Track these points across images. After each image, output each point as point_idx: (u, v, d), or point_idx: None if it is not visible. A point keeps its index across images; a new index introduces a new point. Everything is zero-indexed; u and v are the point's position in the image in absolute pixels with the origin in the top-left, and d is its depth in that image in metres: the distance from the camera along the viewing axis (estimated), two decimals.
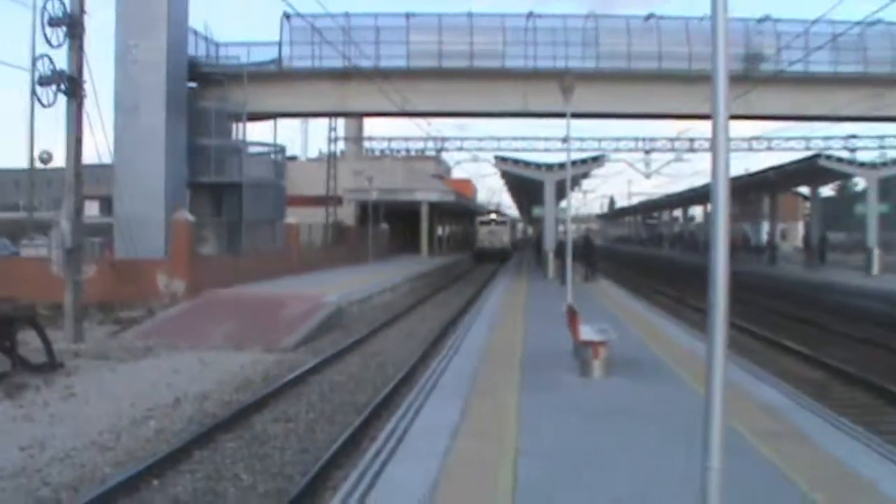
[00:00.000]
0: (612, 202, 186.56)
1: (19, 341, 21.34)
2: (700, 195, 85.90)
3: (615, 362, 15.67)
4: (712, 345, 5.77)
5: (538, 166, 49.49)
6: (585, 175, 57.39)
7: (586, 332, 15.38)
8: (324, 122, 65.88)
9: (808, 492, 8.74)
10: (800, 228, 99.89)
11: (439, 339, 27.36)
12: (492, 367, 16.80)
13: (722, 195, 5.82)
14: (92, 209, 70.00)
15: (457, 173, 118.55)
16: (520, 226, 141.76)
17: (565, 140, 29.94)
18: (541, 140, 70.71)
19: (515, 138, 69.34)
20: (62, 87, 25.49)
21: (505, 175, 61.12)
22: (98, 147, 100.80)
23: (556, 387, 14.58)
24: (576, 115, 44.26)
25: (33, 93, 25.36)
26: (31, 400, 17.82)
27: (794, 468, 9.51)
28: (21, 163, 50.90)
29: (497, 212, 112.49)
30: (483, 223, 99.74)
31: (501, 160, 52.02)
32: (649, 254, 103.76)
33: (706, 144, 66.96)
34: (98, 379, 20.28)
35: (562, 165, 42.59)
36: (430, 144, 74.62)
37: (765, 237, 76.84)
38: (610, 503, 8.47)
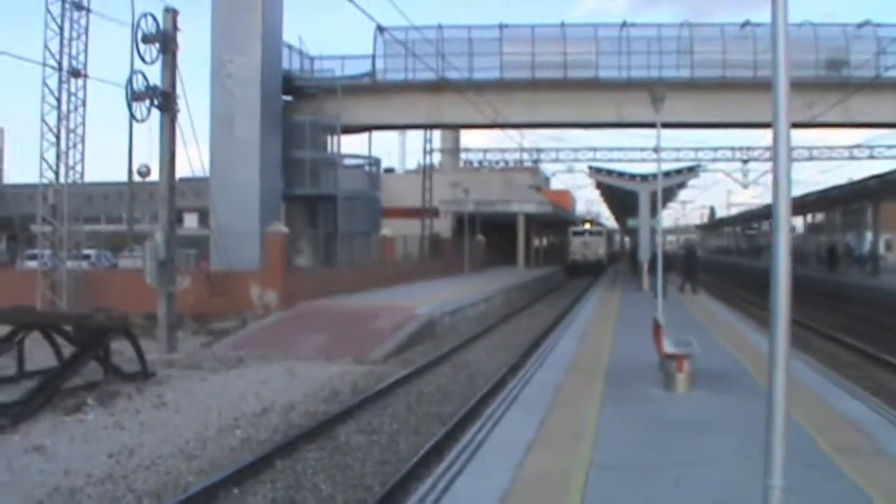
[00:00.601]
0: (712, 212, 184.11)
1: (114, 351, 21.77)
2: (797, 205, 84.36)
3: (701, 376, 15.38)
4: (774, 359, 5.63)
5: (632, 177, 48.94)
6: (682, 185, 56.70)
7: (670, 346, 15.11)
8: (421, 134, 66.19)
9: None
10: None
11: (531, 350, 27.16)
12: (576, 380, 16.64)
13: (783, 204, 5.63)
14: (191, 221, 71.40)
15: (555, 184, 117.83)
16: (617, 237, 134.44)
17: (657, 150, 29.51)
18: (636, 150, 70.45)
19: (611, 149, 68.98)
20: (156, 102, 26.00)
21: (600, 186, 60.65)
22: (199, 160, 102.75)
23: (637, 400, 14.38)
24: (669, 126, 44.01)
25: (128, 108, 25.83)
26: (123, 408, 18.13)
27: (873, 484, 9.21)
28: (123, 176, 51.84)
29: (593, 222, 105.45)
30: (576, 234, 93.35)
31: (596, 171, 51.58)
32: (748, 265, 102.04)
33: (804, 153, 65.90)
34: (188, 388, 20.54)
35: (657, 176, 42.13)
36: (526, 156, 74.48)
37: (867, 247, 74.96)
38: None
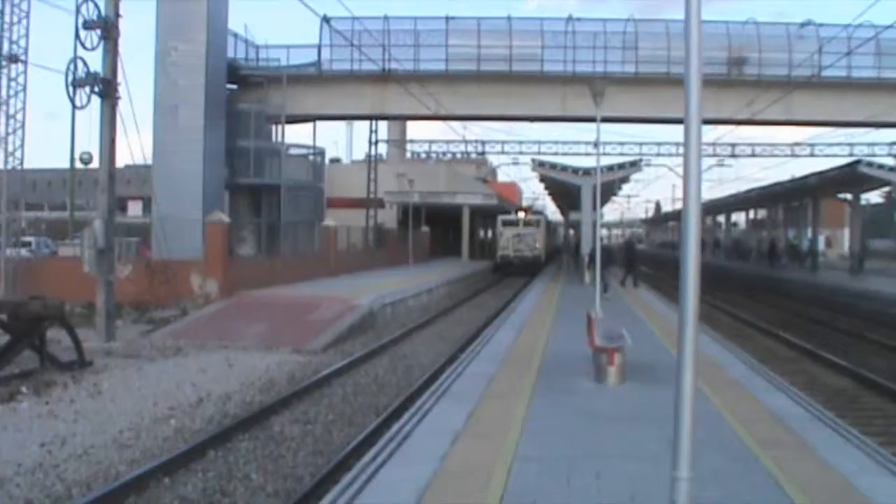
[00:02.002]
0: (657, 207, 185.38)
1: (51, 339, 21.71)
2: (741, 201, 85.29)
3: (633, 368, 15.63)
4: (682, 352, 5.76)
5: (575, 170, 49.42)
6: (625, 180, 57.18)
7: (601, 338, 15.33)
8: (368, 124, 66.15)
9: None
10: (846, 235, 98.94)
11: (469, 342, 27.33)
12: (509, 372, 16.81)
13: (693, 198, 5.78)
14: (136, 209, 70.86)
15: (501, 177, 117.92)
16: (560, 230, 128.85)
17: (596, 144, 29.76)
18: (582, 144, 70.55)
19: (556, 142, 69.69)
20: (96, 88, 25.86)
21: (544, 179, 61.03)
22: (140, 148, 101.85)
23: (568, 392, 14.57)
24: (613, 120, 44.39)
25: (68, 94, 25.67)
26: (58, 397, 18.07)
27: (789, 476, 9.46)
28: (67, 163, 51.43)
29: (528, 209, 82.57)
30: (507, 224, 72.17)
31: (539, 164, 51.97)
32: None
33: (748, 150, 66.73)
34: (125, 377, 20.49)
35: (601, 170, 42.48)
36: (471, 148, 74.71)
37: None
38: None
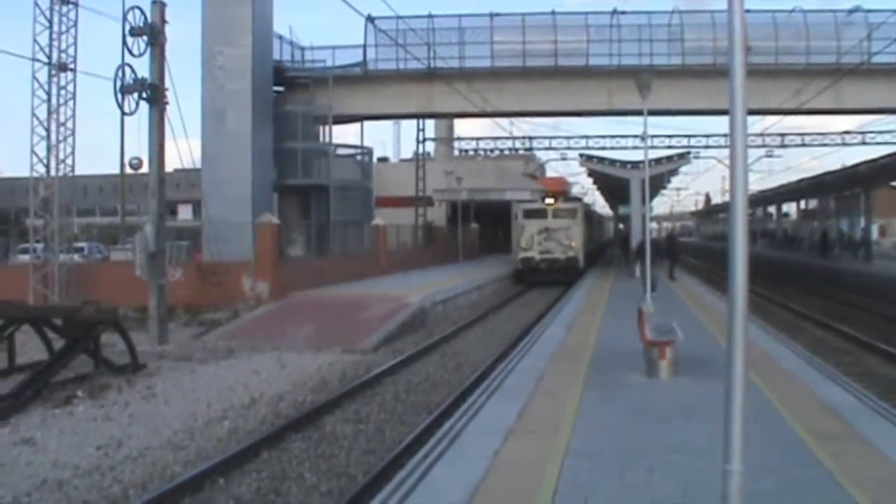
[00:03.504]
0: (707, 199, 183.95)
1: (105, 343, 21.96)
2: (791, 191, 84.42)
3: (684, 362, 15.52)
4: (733, 342, 5.70)
5: (623, 164, 49.24)
6: (674, 172, 56.87)
7: (653, 332, 15.24)
8: (415, 123, 66.23)
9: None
10: None
11: (520, 338, 27.25)
12: (560, 367, 16.79)
13: (741, 190, 5.71)
14: (185, 213, 71.29)
15: (550, 173, 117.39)
16: (609, 224, 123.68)
17: (643, 137, 29.58)
18: (629, 138, 69.91)
19: (603, 136, 68.76)
20: (144, 94, 26.12)
21: (593, 174, 60.82)
22: (189, 152, 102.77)
23: (619, 387, 14.52)
24: (659, 113, 44.08)
25: (117, 101, 25.95)
26: (113, 400, 18.31)
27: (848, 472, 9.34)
28: (117, 169, 52.12)
29: (561, 194, 68.32)
30: (531, 214, 54.75)
31: (587, 159, 51.89)
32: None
33: (797, 140, 65.99)
34: (178, 380, 20.71)
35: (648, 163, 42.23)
36: (518, 144, 74.45)
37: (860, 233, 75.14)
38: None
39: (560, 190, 66.18)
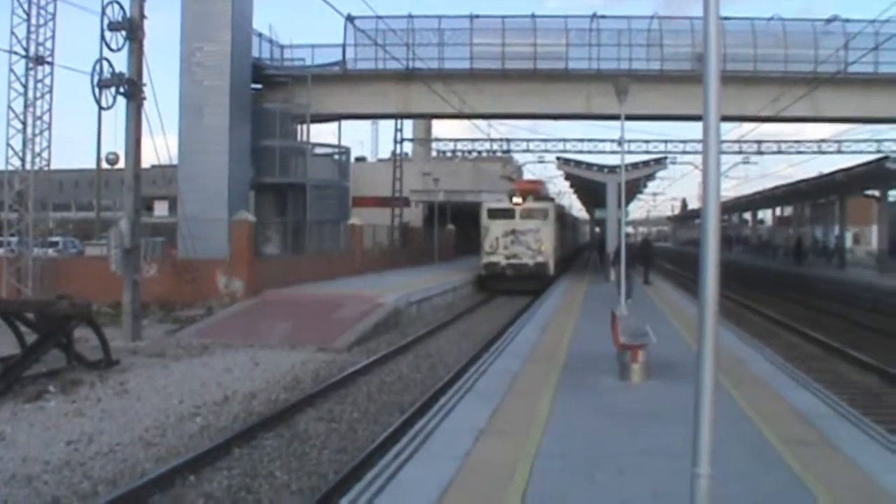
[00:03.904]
0: (684, 204, 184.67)
1: (78, 339, 21.87)
2: (767, 198, 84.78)
3: (657, 366, 15.61)
4: (702, 347, 5.77)
5: (600, 168, 49.39)
6: (650, 177, 57.05)
7: (626, 336, 15.32)
8: (393, 123, 66.22)
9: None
10: (874, 232, 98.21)
11: (494, 340, 27.30)
12: (533, 369, 16.84)
13: (713, 195, 5.78)
14: (162, 209, 71.13)
15: (527, 175, 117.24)
16: (585, 227, 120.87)
17: (620, 142, 29.68)
18: (607, 142, 70.00)
19: (581, 140, 68.88)
20: (122, 89, 26.04)
21: (570, 177, 60.89)
22: (166, 148, 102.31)
23: (592, 390, 14.59)
24: (637, 118, 44.28)
25: (94, 95, 25.86)
26: (85, 395, 18.22)
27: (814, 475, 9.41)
28: (94, 164, 52.02)
29: (530, 193, 52.80)
30: (496, 214, 49.54)
31: (564, 162, 51.91)
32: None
33: (774, 147, 66.27)
34: (151, 376, 20.63)
35: (626, 168, 42.38)
36: (496, 146, 74.43)
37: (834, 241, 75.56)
38: None
39: (531, 189, 53.03)
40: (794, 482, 9.22)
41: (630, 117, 29.77)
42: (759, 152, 68.06)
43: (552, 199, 57.15)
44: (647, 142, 66.98)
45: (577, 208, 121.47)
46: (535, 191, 53.72)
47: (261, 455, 14.09)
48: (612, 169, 48.32)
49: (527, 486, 8.99)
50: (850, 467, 9.80)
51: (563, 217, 63.73)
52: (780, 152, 68.28)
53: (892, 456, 10.46)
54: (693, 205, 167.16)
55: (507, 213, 48.86)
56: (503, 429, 11.69)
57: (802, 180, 68.84)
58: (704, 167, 5.87)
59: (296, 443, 14.94)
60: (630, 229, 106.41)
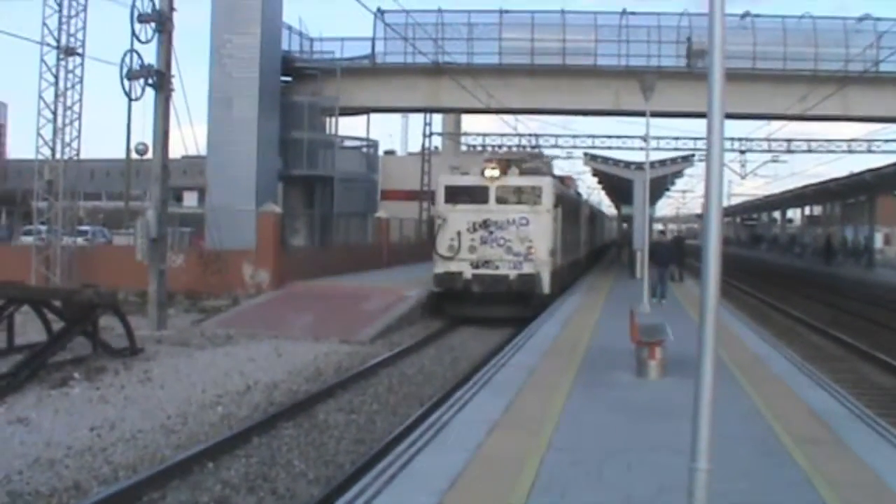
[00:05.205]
0: None
1: (104, 327, 22.14)
2: (796, 197, 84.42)
3: (675, 362, 15.59)
4: (703, 347, 5.86)
5: (627, 165, 49.19)
6: (678, 174, 56.84)
7: (643, 333, 15.35)
8: (422, 117, 66.32)
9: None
10: None
11: (518, 333, 27.29)
12: (551, 364, 16.87)
13: (715, 192, 5.87)
14: (191, 199, 71.55)
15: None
16: (613, 223, 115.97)
17: (646, 139, 29.52)
18: (635, 138, 69.89)
19: (610, 136, 68.81)
20: (150, 80, 26.28)
21: (598, 174, 60.73)
22: (194, 139, 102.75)
23: (607, 385, 14.63)
24: (665, 115, 44.22)
25: (122, 86, 26.14)
26: (109, 383, 18.44)
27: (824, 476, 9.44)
28: (124, 154, 52.53)
29: (518, 163, 34.78)
30: (457, 195, 32.88)
31: (591, 158, 51.67)
32: (746, 255, 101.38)
33: (804, 145, 66.05)
34: (175, 365, 20.84)
35: (652, 164, 42.23)
36: (525, 141, 74.43)
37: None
38: (621, 502, 8.55)
39: (515, 158, 37.35)
40: (802, 480, 9.24)
41: (657, 114, 29.82)
42: (789, 151, 67.91)
43: (552, 174, 38.21)
44: (676, 139, 66.96)
45: (607, 205, 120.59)
46: (522, 159, 36.56)
47: (279, 444, 14.26)
48: (640, 165, 48.18)
49: (535, 479, 9.08)
50: (860, 467, 9.80)
51: (570, 203, 42.07)
52: (809, 151, 68.13)
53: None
54: (723, 203, 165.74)
55: (475, 194, 32.27)
56: (517, 422, 11.78)
57: (832, 180, 68.56)
58: (707, 165, 5.99)
59: (315, 433, 15.10)
60: (659, 226, 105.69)
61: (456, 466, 9.42)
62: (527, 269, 31.27)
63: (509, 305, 31.15)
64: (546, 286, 31.62)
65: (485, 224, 31.66)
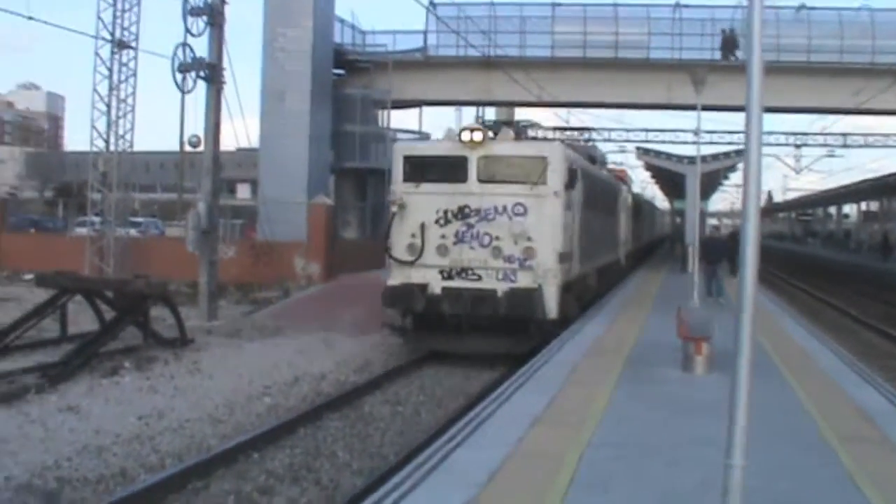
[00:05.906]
0: (769, 197, 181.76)
1: (156, 317, 22.40)
2: (852, 192, 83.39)
3: (722, 358, 15.40)
4: (739, 343, 5.80)
5: (680, 159, 48.81)
6: (731, 169, 56.33)
7: (691, 328, 15.23)
8: (475, 111, 66.21)
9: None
10: None
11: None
12: (596, 359, 16.71)
13: (753, 191, 5.82)
14: (244, 191, 72.10)
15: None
16: (666, 217, 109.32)
17: (696, 133, 29.07)
18: (688, 132, 69.17)
19: (663, 130, 68.38)
20: (202, 73, 26.52)
21: (650, 168, 60.39)
22: (245, 132, 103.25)
23: (652, 381, 14.46)
24: (717, 108, 43.69)
25: (174, 79, 26.42)
26: (158, 372, 18.66)
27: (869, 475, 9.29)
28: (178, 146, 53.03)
29: (509, 126, 26.80)
30: (420, 168, 22.02)
31: (644, 152, 51.39)
32: (800, 250, 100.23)
33: (860, 140, 65.06)
34: (224, 356, 21.05)
35: (704, 158, 41.89)
36: (577, 135, 74.06)
37: None
38: (660, 497, 8.50)
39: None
40: (845, 479, 9.11)
41: (709, 108, 29.48)
42: (845, 145, 66.85)
43: (562, 141, 28.41)
44: (730, 132, 66.13)
45: (661, 198, 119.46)
46: (511, 122, 29.09)
47: (325, 435, 14.36)
48: (692, 160, 47.82)
49: (574, 474, 9.04)
50: None
51: (596, 184, 29.53)
52: (866, 146, 67.05)
53: None
54: (778, 198, 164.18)
55: (448, 169, 21.95)
56: (558, 417, 11.71)
57: (889, 174, 67.63)
58: (746, 159, 5.92)
59: (360, 424, 15.19)
60: (714, 221, 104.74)
61: (495, 460, 9.38)
62: (523, 280, 21.03)
63: (496, 337, 21.26)
64: (552, 306, 21.19)
65: (462, 213, 21.37)
